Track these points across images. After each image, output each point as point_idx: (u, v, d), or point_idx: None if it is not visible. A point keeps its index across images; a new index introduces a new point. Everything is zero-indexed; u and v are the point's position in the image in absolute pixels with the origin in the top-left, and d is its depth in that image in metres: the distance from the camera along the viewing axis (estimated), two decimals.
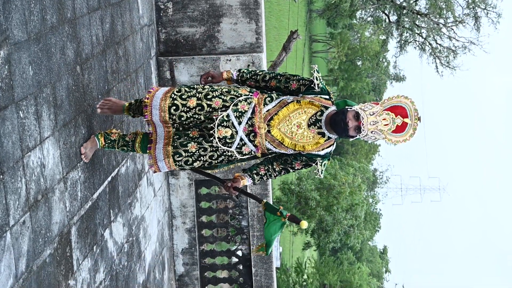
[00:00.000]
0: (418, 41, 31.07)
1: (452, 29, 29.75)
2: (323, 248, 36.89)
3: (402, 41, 31.99)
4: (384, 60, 55.64)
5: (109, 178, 5.74)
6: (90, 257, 5.20)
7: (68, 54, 4.70)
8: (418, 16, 29.10)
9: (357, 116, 4.27)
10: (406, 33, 31.19)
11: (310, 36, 65.57)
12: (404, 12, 28.97)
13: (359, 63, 54.40)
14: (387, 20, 31.47)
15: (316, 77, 4.46)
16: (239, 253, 8.79)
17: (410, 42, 31.67)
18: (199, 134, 4.52)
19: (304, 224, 4.50)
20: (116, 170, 5.97)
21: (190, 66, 7.80)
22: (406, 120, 4.23)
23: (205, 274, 8.80)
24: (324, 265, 35.50)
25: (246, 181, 4.65)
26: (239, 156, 4.53)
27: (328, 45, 63.45)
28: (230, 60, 7.75)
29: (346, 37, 52.71)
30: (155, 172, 4.71)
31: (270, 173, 4.66)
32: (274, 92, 4.56)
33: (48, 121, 4.32)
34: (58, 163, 4.49)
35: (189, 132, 4.53)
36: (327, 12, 35.91)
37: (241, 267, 8.78)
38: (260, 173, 4.65)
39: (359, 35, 55.86)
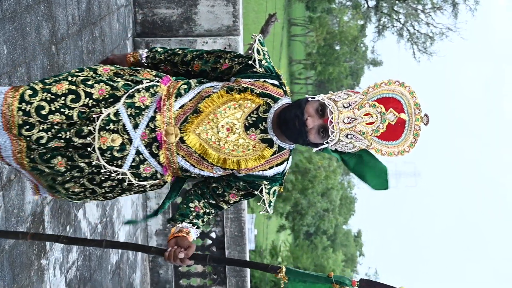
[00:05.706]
0: (396, 27, 31.30)
1: (430, 15, 30.01)
2: (297, 232, 37.17)
3: (380, 26, 32.22)
4: (362, 45, 55.81)
5: None
6: None
7: (44, 34, 4.69)
8: (397, 1, 29.26)
9: (322, 109, 2.62)
10: (384, 18, 31.42)
11: (288, 19, 65.49)
12: None
13: (337, 47, 54.50)
14: (365, 5, 31.62)
15: (258, 50, 2.81)
16: (213, 235, 8.83)
17: (388, 27, 31.90)
18: (65, 146, 2.64)
19: None
20: None
21: None
22: (402, 116, 2.59)
23: None
24: (299, 248, 35.80)
25: (192, 234, 2.78)
26: (135, 181, 2.71)
27: (306, 29, 63.46)
28: (207, 43, 7.75)
29: (325, 21, 52.76)
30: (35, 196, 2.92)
31: (208, 210, 2.89)
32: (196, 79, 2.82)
33: None
34: None
35: (51, 144, 2.61)
36: None
37: (214, 249, 8.83)
38: (199, 213, 2.85)
39: (337, 19, 56.01)
